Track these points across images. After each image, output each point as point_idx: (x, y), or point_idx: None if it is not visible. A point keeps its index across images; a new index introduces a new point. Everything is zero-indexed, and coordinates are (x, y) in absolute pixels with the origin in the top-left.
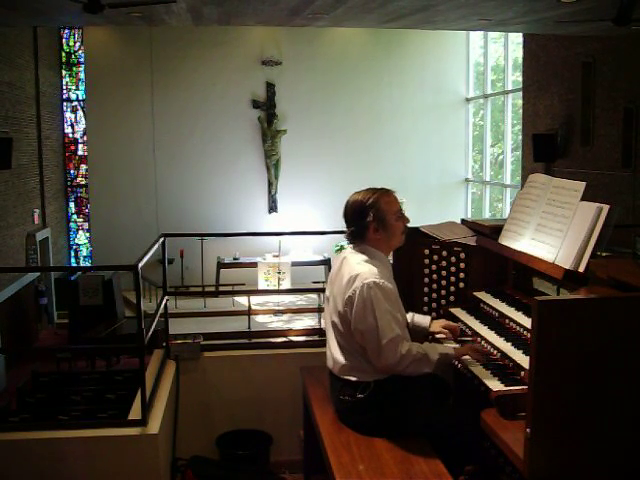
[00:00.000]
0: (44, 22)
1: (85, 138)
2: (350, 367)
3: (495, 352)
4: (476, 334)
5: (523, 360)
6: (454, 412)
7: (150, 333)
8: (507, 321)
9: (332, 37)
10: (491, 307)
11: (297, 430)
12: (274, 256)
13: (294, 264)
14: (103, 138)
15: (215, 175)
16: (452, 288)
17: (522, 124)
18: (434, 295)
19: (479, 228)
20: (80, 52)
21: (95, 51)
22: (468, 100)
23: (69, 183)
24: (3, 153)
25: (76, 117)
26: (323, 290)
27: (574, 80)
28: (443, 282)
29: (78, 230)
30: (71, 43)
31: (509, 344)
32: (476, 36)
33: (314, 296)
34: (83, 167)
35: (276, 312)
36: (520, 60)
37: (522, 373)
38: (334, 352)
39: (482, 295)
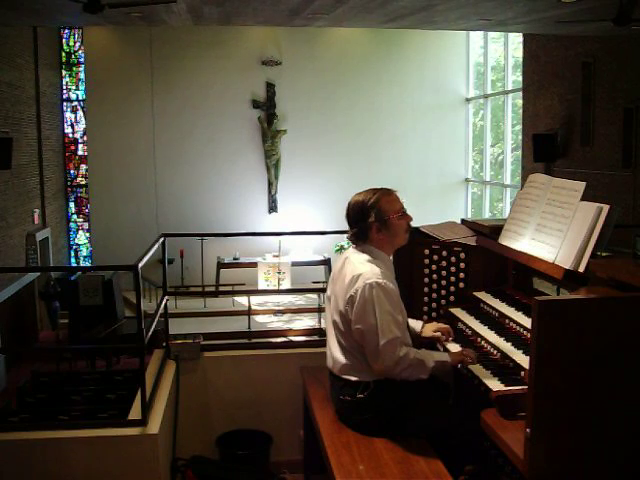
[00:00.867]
0: (44, 22)
1: (85, 138)
2: (350, 367)
3: (495, 352)
4: (476, 334)
5: (523, 360)
6: (454, 412)
7: (150, 333)
8: (507, 321)
9: (332, 37)
10: (491, 307)
11: (297, 430)
12: (274, 256)
13: (294, 264)
14: (103, 138)
15: (215, 175)
16: (452, 288)
17: (522, 124)
18: (434, 295)
19: (479, 228)
20: (80, 52)
21: (95, 51)
22: (468, 100)
23: (69, 183)
24: (3, 153)
25: (76, 117)
26: (323, 290)
27: (574, 80)
28: (443, 282)
29: (78, 230)
30: (71, 43)
31: (509, 344)
32: (476, 36)
33: (314, 296)
34: (83, 167)
35: (276, 312)
36: (520, 60)
37: (522, 373)
38: (334, 351)
39: (482, 295)
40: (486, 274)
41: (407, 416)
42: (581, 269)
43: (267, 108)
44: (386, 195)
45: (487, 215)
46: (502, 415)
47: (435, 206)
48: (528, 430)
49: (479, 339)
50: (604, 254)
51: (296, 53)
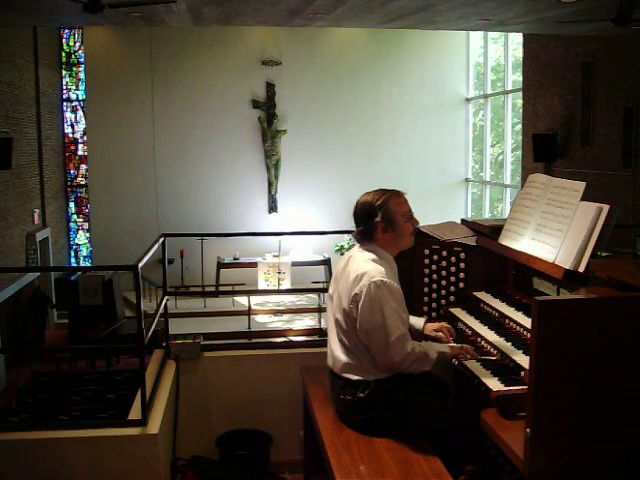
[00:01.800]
0: (44, 22)
1: (85, 138)
2: (351, 366)
3: (495, 352)
4: (476, 334)
5: (523, 360)
6: (454, 412)
7: (150, 333)
8: (507, 321)
9: (332, 37)
10: (491, 307)
11: (297, 430)
12: (274, 256)
13: (294, 264)
14: (103, 138)
15: (215, 175)
16: (452, 288)
17: (522, 124)
18: (434, 295)
19: (479, 228)
20: (80, 52)
21: (95, 51)
22: (468, 100)
23: (69, 183)
24: (3, 153)
25: (76, 117)
26: (323, 290)
27: (574, 80)
28: (443, 282)
29: (78, 230)
30: (71, 43)
31: (509, 344)
32: (476, 36)
33: (314, 296)
34: (83, 167)
35: (276, 312)
36: (520, 60)
37: (522, 373)
38: (335, 350)
39: (482, 295)
40: (486, 274)
41: (407, 416)
42: (581, 269)
43: (267, 108)
44: (395, 197)
45: (487, 215)
46: (502, 415)
47: (435, 206)
48: (528, 430)
49: (479, 339)
50: (604, 254)
51: (296, 53)
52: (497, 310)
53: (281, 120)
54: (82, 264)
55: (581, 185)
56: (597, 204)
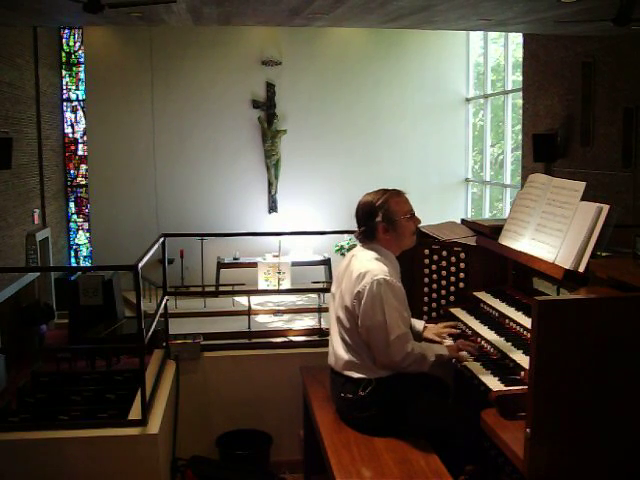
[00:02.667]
0: (44, 22)
1: (85, 138)
2: (352, 364)
3: (495, 352)
4: (476, 334)
5: (523, 360)
6: (454, 412)
7: (150, 333)
8: (507, 321)
9: (332, 37)
10: (491, 307)
11: (297, 430)
12: (274, 256)
13: (294, 264)
14: (103, 138)
15: (215, 175)
16: (452, 288)
17: (522, 124)
18: (434, 295)
19: (479, 228)
20: (80, 52)
21: (95, 51)
22: (468, 100)
23: (69, 183)
24: (3, 153)
25: (76, 117)
26: (323, 290)
27: (574, 80)
28: (443, 282)
29: (78, 230)
30: (71, 43)
31: (509, 344)
32: (476, 36)
33: (314, 296)
34: (83, 167)
35: (276, 312)
36: (520, 60)
37: (522, 373)
38: (337, 348)
39: (482, 295)
40: (486, 274)
41: (407, 415)
42: (581, 269)
43: (267, 108)
44: (395, 196)
45: (487, 215)
46: (502, 415)
47: (435, 206)
48: (528, 430)
49: (479, 339)
50: (604, 254)
51: (296, 53)
52: (497, 310)
53: (281, 120)
54: (82, 264)
55: (581, 185)
56: (597, 204)
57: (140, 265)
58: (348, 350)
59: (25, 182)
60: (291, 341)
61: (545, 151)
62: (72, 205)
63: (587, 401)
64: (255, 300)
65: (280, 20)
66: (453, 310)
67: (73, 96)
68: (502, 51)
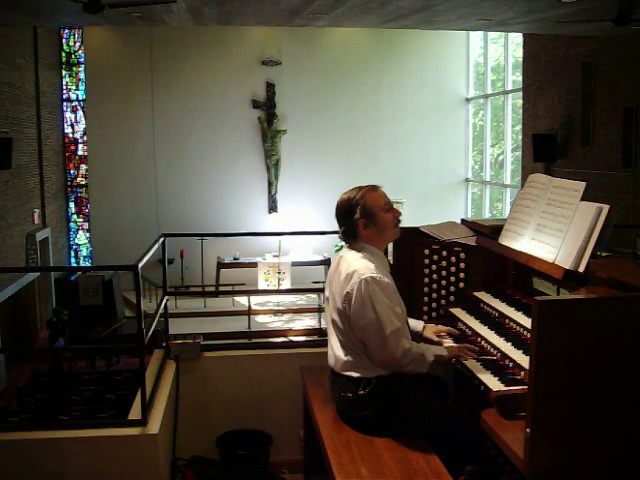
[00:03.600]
0: (44, 22)
1: (85, 138)
2: (351, 364)
3: (495, 352)
4: (476, 334)
5: (523, 360)
6: (454, 412)
7: (150, 333)
8: (507, 321)
9: (332, 37)
10: (491, 307)
11: (297, 430)
12: (274, 256)
13: (294, 264)
14: (103, 138)
15: (215, 175)
16: (452, 288)
17: (522, 124)
18: (434, 295)
19: (479, 228)
20: (80, 52)
21: (95, 51)
22: (468, 100)
23: (69, 183)
24: (3, 153)
25: (76, 117)
26: (323, 290)
27: (574, 80)
28: (443, 282)
29: (78, 230)
30: (71, 43)
31: (509, 344)
32: (476, 36)
33: (314, 296)
34: (83, 167)
35: (276, 312)
36: (520, 60)
37: (522, 373)
38: (335, 350)
39: (482, 295)
40: (486, 274)
41: (407, 414)
42: (581, 269)
43: (267, 108)
44: (371, 191)
45: (487, 215)
46: (502, 415)
47: (435, 206)
48: (528, 430)
49: (479, 339)
50: (604, 254)
51: (296, 53)
52: (497, 310)
53: (281, 120)
54: (82, 264)
55: (581, 185)
56: (597, 204)
57: (140, 265)
58: (346, 351)
59: (25, 182)
60: (291, 341)
61: (545, 151)
62: (72, 205)
63: (587, 401)
64: (255, 300)
65: (280, 20)
66: (453, 310)
67: (73, 96)
68: (502, 51)
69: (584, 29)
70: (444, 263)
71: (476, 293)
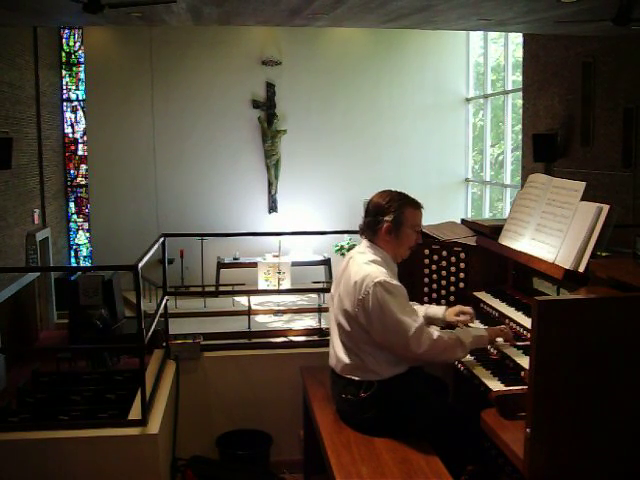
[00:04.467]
0: (44, 22)
1: (85, 138)
2: (354, 367)
3: (495, 352)
4: None
5: (523, 360)
6: (454, 412)
7: (150, 333)
8: (507, 321)
9: (332, 37)
10: (491, 307)
11: (297, 430)
12: (274, 256)
13: (294, 264)
14: (103, 138)
15: (215, 175)
16: (452, 288)
17: (522, 124)
18: (434, 295)
19: (479, 228)
20: (80, 52)
21: (95, 51)
22: (468, 100)
23: (69, 183)
24: (3, 153)
25: (76, 117)
26: (323, 290)
27: (574, 80)
28: (443, 282)
29: (78, 230)
30: (71, 43)
31: (508, 343)
32: (476, 36)
33: (314, 296)
34: (83, 167)
35: (276, 312)
36: (520, 60)
37: (522, 373)
38: (338, 351)
39: (482, 295)
40: (486, 274)
41: (408, 416)
42: (581, 269)
43: (267, 108)
44: (413, 206)
45: (487, 215)
46: (502, 415)
47: (435, 206)
48: (528, 430)
49: None
50: (604, 254)
51: (296, 53)
52: (497, 310)
53: (281, 120)
54: (82, 264)
55: (581, 185)
56: (597, 204)
57: (140, 265)
58: (349, 353)
59: (25, 182)
60: (291, 341)
61: (545, 151)
62: (72, 205)
63: (587, 401)
64: (255, 300)
65: (280, 20)
66: None
67: (73, 96)
68: (502, 51)
69: (584, 29)
70: (444, 263)
71: (476, 293)
